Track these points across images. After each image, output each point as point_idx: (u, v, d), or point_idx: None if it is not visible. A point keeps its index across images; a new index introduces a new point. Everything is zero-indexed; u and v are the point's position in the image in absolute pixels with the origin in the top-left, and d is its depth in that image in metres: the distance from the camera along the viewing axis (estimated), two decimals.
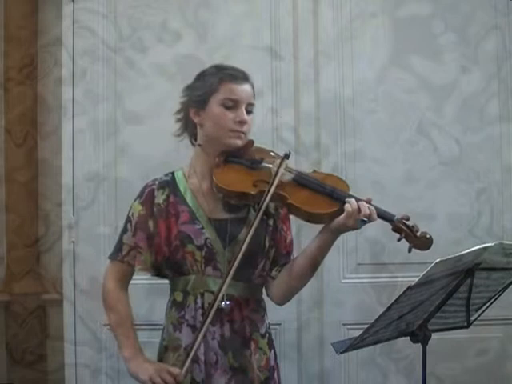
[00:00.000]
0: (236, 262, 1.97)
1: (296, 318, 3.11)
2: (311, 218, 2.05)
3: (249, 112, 2.12)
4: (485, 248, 1.84)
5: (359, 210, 1.99)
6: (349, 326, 3.09)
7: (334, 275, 3.11)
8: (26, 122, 3.25)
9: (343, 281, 3.09)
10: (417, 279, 1.82)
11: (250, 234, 2.00)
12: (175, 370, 1.98)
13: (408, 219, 2.05)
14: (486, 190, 3.20)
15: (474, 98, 3.21)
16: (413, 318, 1.95)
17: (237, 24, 3.22)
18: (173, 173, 2.21)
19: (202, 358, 2.06)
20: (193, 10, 3.23)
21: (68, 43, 3.22)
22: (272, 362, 2.17)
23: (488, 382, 3.16)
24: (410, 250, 2.06)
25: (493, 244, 1.84)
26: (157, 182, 2.17)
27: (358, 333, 1.93)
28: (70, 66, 3.22)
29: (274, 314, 3.10)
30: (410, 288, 1.82)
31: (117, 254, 2.15)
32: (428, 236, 2.05)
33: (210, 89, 2.10)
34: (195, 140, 2.20)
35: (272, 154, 2.18)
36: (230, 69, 2.14)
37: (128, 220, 2.16)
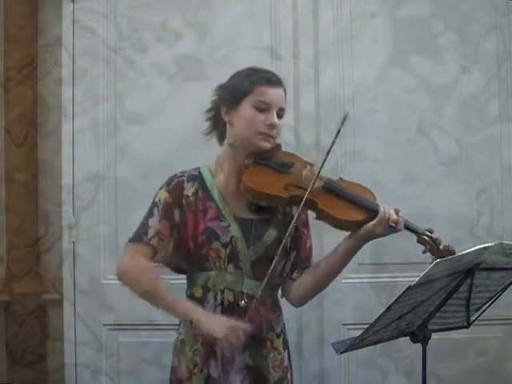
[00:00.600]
0: (272, 264, 2.01)
1: (296, 318, 3.11)
2: (340, 224, 2.10)
3: (279, 116, 2.14)
4: (485, 248, 1.84)
5: (389, 218, 2.05)
6: (349, 326, 3.09)
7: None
8: (26, 122, 3.25)
9: (343, 281, 3.09)
10: (417, 279, 1.82)
11: (287, 236, 2.04)
12: (246, 327, 1.99)
13: (432, 232, 2.11)
14: (486, 190, 3.20)
15: (473, 98, 3.21)
16: (413, 318, 1.95)
17: (237, 24, 3.22)
18: (199, 168, 2.22)
19: (219, 353, 2.08)
20: (193, 9, 3.23)
21: (68, 43, 3.22)
22: (286, 362, 2.19)
23: (488, 382, 3.16)
24: (432, 262, 2.09)
25: (493, 244, 1.85)
26: (186, 174, 2.18)
27: (358, 333, 1.93)
28: (70, 66, 3.23)
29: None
30: (410, 288, 1.82)
31: (142, 236, 2.12)
32: (451, 249, 2.09)
33: (243, 89, 2.12)
34: (223, 139, 2.22)
35: (301, 159, 2.23)
36: (265, 72, 2.16)
37: (154, 205, 2.14)
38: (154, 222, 2.12)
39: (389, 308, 1.84)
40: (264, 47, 3.21)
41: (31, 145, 3.26)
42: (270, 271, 2.01)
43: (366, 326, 1.88)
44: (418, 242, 2.11)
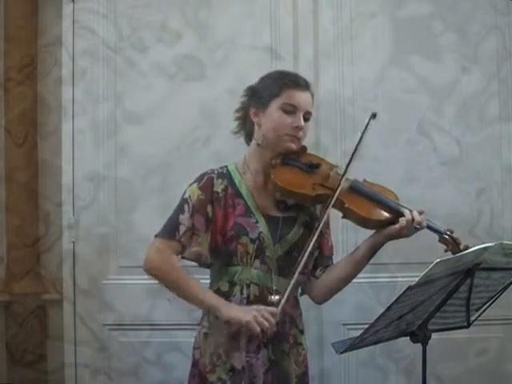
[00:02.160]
0: (302, 261, 2.09)
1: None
2: (366, 223, 2.19)
3: (306, 119, 2.22)
4: (485, 248, 1.85)
5: (414, 219, 2.14)
6: (349, 326, 3.10)
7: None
8: (26, 122, 3.24)
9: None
10: (417, 279, 1.82)
11: (316, 236, 2.12)
12: (273, 309, 2.06)
13: (452, 232, 2.20)
14: (486, 190, 3.20)
15: (473, 98, 3.21)
16: (413, 318, 1.95)
17: (237, 24, 3.22)
18: (227, 166, 2.27)
19: (244, 346, 2.13)
20: (193, 10, 3.23)
21: (68, 43, 3.22)
22: (307, 360, 2.26)
23: (488, 382, 3.16)
24: None
25: (493, 244, 1.85)
26: (216, 172, 2.24)
27: (357, 333, 1.93)
28: (70, 66, 3.22)
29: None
30: (410, 288, 1.82)
31: (173, 232, 2.17)
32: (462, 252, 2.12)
33: (272, 92, 2.20)
34: (250, 138, 2.28)
35: (326, 161, 2.30)
36: (293, 75, 2.25)
37: (185, 201, 2.19)
38: (184, 219, 2.17)
39: (389, 308, 1.85)
40: (264, 47, 3.21)
41: (31, 145, 3.25)
42: (299, 267, 2.07)
43: (366, 326, 1.88)
44: (440, 241, 2.19)
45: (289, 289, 2.07)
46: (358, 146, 2.21)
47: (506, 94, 3.21)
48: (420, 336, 1.99)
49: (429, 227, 2.19)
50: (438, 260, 1.83)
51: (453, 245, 2.16)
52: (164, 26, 3.23)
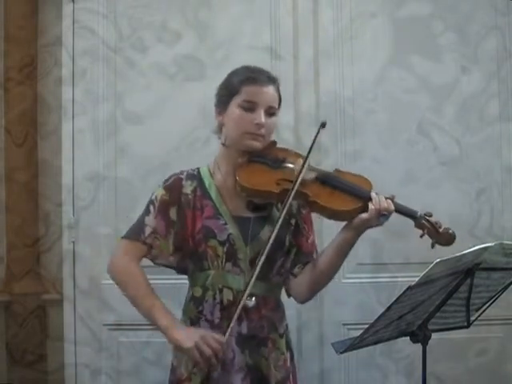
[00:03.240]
0: (260, 261, 2.00)
1: (296, 318, 3.11)
2: (334, 215, 2.08)
3: (271, 114, 2.14)
4: (485, 248, 1.84)
5: (380, 206, 2.03)
6: (349, 326, 3.09)
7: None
8: (26, 122, 3.25)
9: (343, 281, 3.09)
10: (417, 279, 1.82)
11: (275, 232, 2.02)
12: (220, 337, 1.97)
13: (431, 215, 2.08)
14: (486, 190, 3.20)
15: (473, 98, 3.21)
16: (413, 318, 1.95)
17: (237, 24, 3.22)
18: (198, 168, 2.22)
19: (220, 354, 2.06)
20: (193, 10, 3.23)
21: (68, 43, 3.22)
22: (289, 363, 2.18)
23: (488, 382, 3.16)
24: (432, 246, 2.07)
25: (493, 244, 1.85)
26: (185, 173, 2.19)
27: (358, 333, 1.93)
28: (70, 66, 3.23)
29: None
30: (410, 288, 1.82)
31: (138, 234, 2.12)
32: (451, 232, 2.07)
33: (231, 90, 2.13)
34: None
35: (295, 153, 2.21)
36: (254, 71, 2.16)
37: (151, 202, 2.15)
38: (149, 220, 2.12)
39: (389, 308, 1.84)
40: (264, 47, 3.21)
41: (31, 145, 3.26)
42: (260, 263, 1.98)
43: (366, 326, 1.88)
44: (416, 226, 2.07)
45: (247, 291, 1.98)
46: (312, 146, 2.09)
47: (506, 94, 3.21)
48: (420, 336, 1.98)
49: (400, 211, 2.07)
50: (438, 260, 1.82)
51: (429, 228, 2.06)
52: (164, 25, 3.23)
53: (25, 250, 3.25)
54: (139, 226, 2.13)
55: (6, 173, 3.20)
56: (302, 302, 2.25)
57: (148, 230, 2.11)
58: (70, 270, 3.19)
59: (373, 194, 2.05)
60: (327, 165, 3.16)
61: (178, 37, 3.23)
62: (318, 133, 2.11)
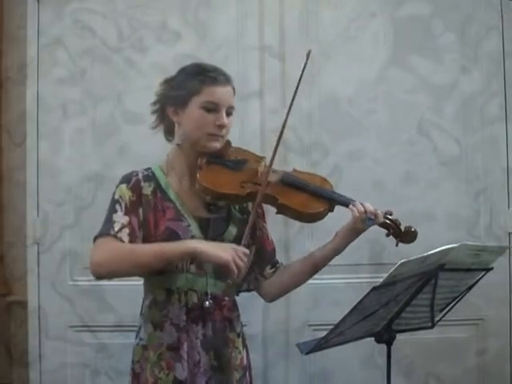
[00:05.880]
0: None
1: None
2: (301, 217, 2.10)
3: (229, 114, 2.12)
4: (449, 249, 1.85)
5: (364, 209, 2.05)
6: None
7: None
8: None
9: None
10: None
11: (246, 233, 2.02)
12: (246, 250, 1.98)
13: (391, 214, 2.10)
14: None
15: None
16: (378, 319, 1.94)
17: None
18: (151, 168, 2.19)
19: (185, 356, 2.07)
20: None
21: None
22: (245, 361, 2.19)
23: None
24: (397, 245, 2.11)
25: (457, 245, 1.85)
26: (140, 174, 2.14)
27: None
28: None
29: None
30: (374, 288, 1.81)
31: (108, 229, 2.04)
32: (413, 229, 2.10)
33: (191, 89, 2.09)
34: (170, 135, 2.20)
35: (253, 154, 2.20)
36: (212, 70, 2.12)
37: (116, 202, 2.08)
38: (118, 217, 2.05)
39: (354, 309, 1.84)
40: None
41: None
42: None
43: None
44: (380, 226, 2.09)
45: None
46: (280, 136, 2.11)
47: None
48: (385, 336, 1.99)
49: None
50: (403, 260, 1.82)
51: (393, 227, 2.08)
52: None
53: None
54: (108, 223, 2.06)
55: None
56: (270, 301, 2.29)
57: (118, 226, 2.04)
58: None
59: (352, 205, 2.06)
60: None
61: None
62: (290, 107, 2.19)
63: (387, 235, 2.10)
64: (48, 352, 3.19)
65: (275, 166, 2.14)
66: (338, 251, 2.14)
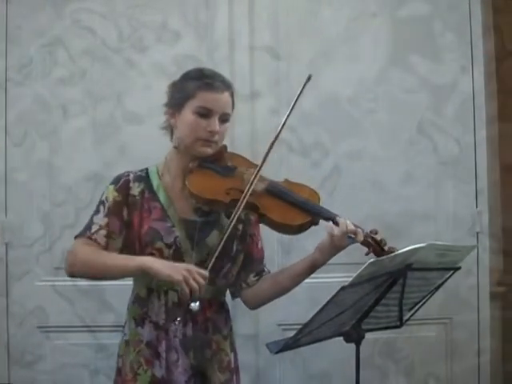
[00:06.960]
0: (209, 266, 1.99)
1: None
2: (281, 228, 2.08)
3: (224, 121, 2.13)
4: (417, 248, 1.86)
5: (347, 228, 2.03)
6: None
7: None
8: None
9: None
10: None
11: (223, 241, 2.01)
12: (203, 272, 1.96)
13: (376, 233, 2.07)
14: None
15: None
16: (346, 318, 1.95)
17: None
18: (147, 169, 2.23)
19: (164, 355, 2.08)
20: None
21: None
22: (233, 364, 2.20)
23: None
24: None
25: (424, 245, 1.86)
26: (131, 175, 2.18)
27: None
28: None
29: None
30: (343, 288, 1.82)
31: (85, 230, 2.13)
32: (396, 251, 2.03)
33: (186, 93, 2.12)
34: (172, 137, 2.23)
35: (247, 161, 2.20)
36: (210, 76, 2.15)
37: (101, 203, 2.15)
38: (97, 219, 2.12)
39: (322, 309, 1.85)
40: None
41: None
42: (209, 265, 1.99)
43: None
44: (361, 243, 2.06)
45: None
46: (269, 149, 2.08)
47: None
48: (354, 336, 1.99)
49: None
50: (372, 260, 1.84)
51: (374, 246, 2.05)
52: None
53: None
54: (88, 224, 2.14)
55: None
56: (253, 309, 2.29)
57: (95, 227, 2.10)
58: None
59: (337, 220, 2.04)
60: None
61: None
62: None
63: (366, 254, 2.07)
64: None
65: (270, 175, 2.14)
66: (316, 266, 2.13)
